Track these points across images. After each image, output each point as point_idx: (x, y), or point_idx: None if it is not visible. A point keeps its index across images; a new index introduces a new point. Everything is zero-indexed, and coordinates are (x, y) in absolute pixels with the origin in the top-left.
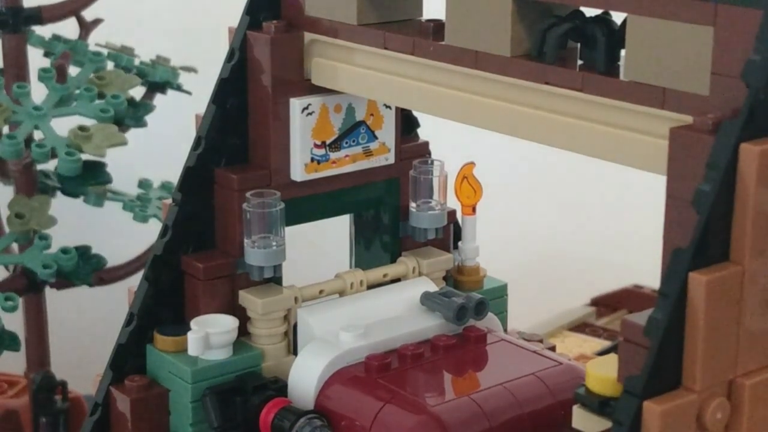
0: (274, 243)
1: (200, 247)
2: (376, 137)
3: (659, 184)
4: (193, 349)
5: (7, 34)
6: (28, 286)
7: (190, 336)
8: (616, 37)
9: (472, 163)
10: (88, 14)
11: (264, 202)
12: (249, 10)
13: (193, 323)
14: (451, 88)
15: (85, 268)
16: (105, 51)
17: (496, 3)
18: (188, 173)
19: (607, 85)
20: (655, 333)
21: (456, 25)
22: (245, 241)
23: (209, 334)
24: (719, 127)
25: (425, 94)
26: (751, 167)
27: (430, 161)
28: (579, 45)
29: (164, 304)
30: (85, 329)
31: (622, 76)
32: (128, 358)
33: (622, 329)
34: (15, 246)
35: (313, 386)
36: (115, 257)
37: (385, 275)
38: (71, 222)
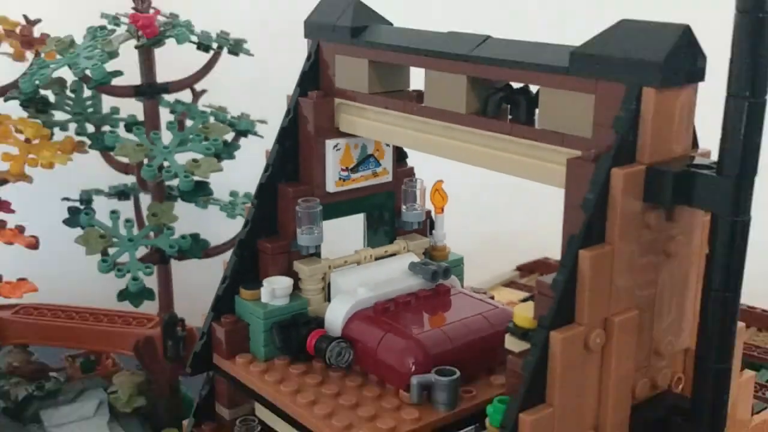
0: (315, 231)
1: (269, 234)
2: (380, 164)
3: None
4: (264, 298)
5: (147, 100)
6: (160, 259)
7: (263, 290)
8: (533, 100)
9: (441, 181)
10: (198, 86)
11: (309, 205)
12: (299, 84)
13: (264, 282)
14: (428, 133)
15: (196, 247)
16: (208, 110)
17: (456, 80)
18: (261, 187)
19: (527, 131)
20: (557, 288)
21: (431, 94)
22: (297, 229)
23: (275, 289)
24: (598, 158)
25: (411, 137)
26: (618, 183)
27: (414, 179)
28: (509, 106)
29: (246, 270)
30: (196, 285)
31: (536, 125)
32: (223, 304)
33: (537, 286)
34: (151, 234)
35: (341, 322)
36: (215, 240)
37: (386, 251)
38: (187, 218)
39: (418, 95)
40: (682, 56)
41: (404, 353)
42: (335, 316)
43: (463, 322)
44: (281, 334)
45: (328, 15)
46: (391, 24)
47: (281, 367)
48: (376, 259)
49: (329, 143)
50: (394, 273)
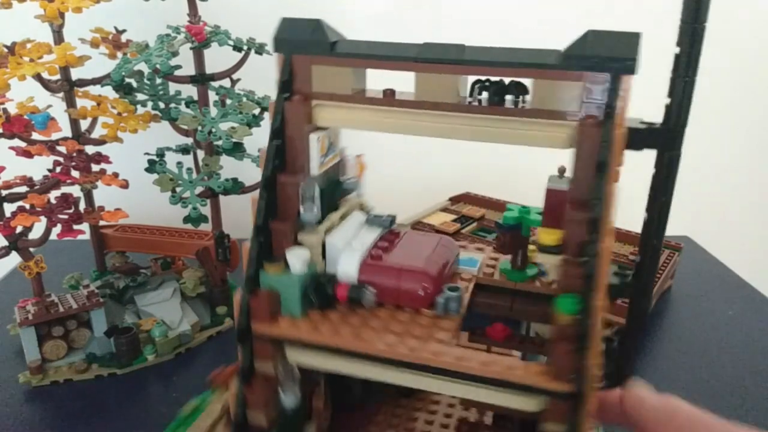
0: (314, 209)
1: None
2: (335, 149)
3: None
4: (296, 268)
5: (199, 85)
6: (211, 195)
7: (293, 261)
8: (506, 88)
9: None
10: (234, 76)
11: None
12: (282, 90)
13: (291, 255)
14: (417, 120)
15: (235, 187)
16: (242, 92)
17: (448, 78)
18: (267, 181)
19: (517, 111)
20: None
21: (422, 90)
22: (300, 207)
23: (305, 260)
24: (602, 123)
25: (398, 124)
26: (615, 140)
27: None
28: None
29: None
30: (236, 211)
31: (528, 106)
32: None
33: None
34: (205, 177)
35: (355, 271)
36: (248, 182)
37: (344, 213)
38: (229, 167)
39: (392, 92)
40: (639, 53)
41: (422, 281)
42: (349, 268)
43: (436, 252)
44: (317, 293)
45: (298, 33)
46: (345, 37)
47: (318, 318)
48: (340, 219)
49: (313, 136)
50: (360, 228)
